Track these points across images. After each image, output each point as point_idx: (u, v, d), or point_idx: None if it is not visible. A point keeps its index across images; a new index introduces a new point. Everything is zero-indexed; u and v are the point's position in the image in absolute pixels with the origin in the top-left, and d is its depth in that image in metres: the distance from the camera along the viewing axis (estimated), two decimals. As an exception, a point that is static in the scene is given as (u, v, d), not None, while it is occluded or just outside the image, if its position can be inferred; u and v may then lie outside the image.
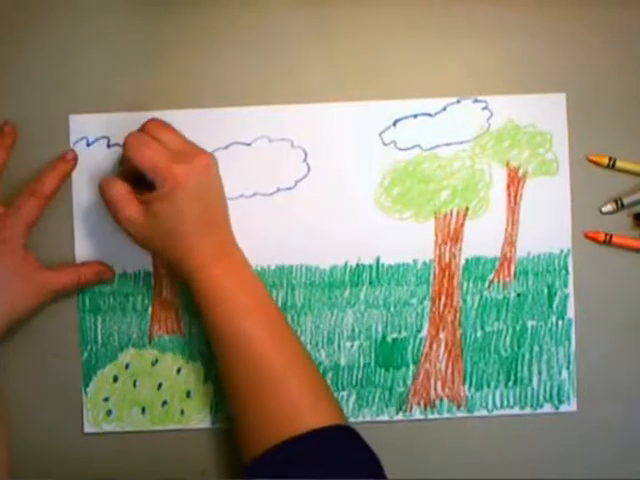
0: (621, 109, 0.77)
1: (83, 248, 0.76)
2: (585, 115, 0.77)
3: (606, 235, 0.76)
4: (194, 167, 0.69)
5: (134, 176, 0.71)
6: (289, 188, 0.77)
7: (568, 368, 0.77)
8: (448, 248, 0.77)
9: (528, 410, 0.77)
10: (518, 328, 0.77)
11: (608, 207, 0.77)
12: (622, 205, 0.76)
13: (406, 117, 0.77)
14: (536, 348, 0.77)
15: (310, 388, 0.70)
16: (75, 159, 0.76)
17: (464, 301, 0.77)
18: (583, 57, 0.77)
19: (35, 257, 0.74)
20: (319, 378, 0.72)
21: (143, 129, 0.72)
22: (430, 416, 0.77)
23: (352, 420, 0.77)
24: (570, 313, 0.77)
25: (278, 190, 0.76)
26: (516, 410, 0.77)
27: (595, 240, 0.76)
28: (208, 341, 0.75)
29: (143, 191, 0.70)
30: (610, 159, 0.76)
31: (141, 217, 0.70)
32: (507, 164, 0.77)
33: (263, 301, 0.72)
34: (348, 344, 0.77)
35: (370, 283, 0.77)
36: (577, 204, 0.77)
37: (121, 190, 0.71)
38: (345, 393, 0.77)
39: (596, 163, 0.77)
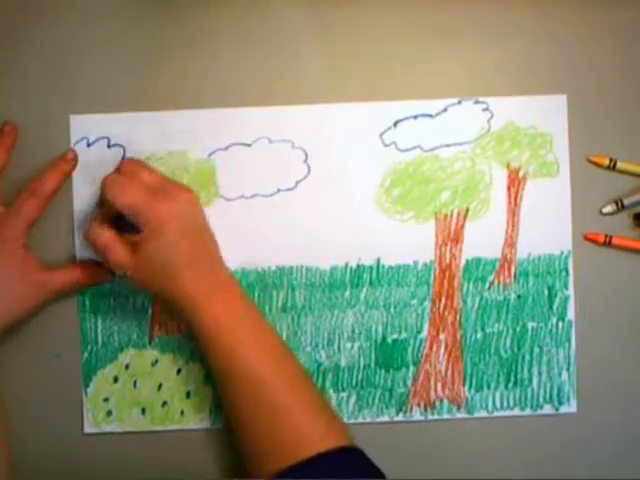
0: (622, 110, 0.77)
1: (83, 248, 0.76)
2: (586, 116, 0.77)
3: (606, 237, 0.76)
4: (177, 203, 0.70)
5: (117, 215, 0.72)
6: (290, 189, 0.76)
7: (568, 369, 0.77)
8: (448, 249, 0.77)
9: (528, 411, 0.77)
10: (518, 329, 0.77)
11: (608, 208, 0.77)
12: (622, 206, 0.76)
13: (407, 118, 0.77)
14: (536, 349, 0.77)
15: (315, 413, 0.70)
16: (75, 159, 0.76)
17: (464, 302, 0.77)
18: (584, 59, 0.77)
19: (35, 257, 0.74)
20: (323, 400, 0.72)
21: (119, 170, 0.72)
22: (430, 417, 0.77)
23: (352, 421, 0.77)
24: (570, 314, 0.77)
25: (278, 191, 0.76)
26: (516, 411, 0.77)
27: (595, 242, 0.76)
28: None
29: (127, 229, 0.71)
30: (611, 160, 0.76)
31: (132, 260, 0.70)
32: (508, 165, 0.77)
33: (262, 333, 0.72)
34: (348, 345, 0.77)
35: (370, 284, 0.77)
36: (577, 205, 0.77)
37: (107, 236, 0.71)
38: (345, 394, 0.77)
39: (596, 164, 0.77)
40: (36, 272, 0.73)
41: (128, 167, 0.72)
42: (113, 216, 0.72)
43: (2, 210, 0.74)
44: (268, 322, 0.73)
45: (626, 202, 0.76)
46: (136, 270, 0.70)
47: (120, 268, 0.71)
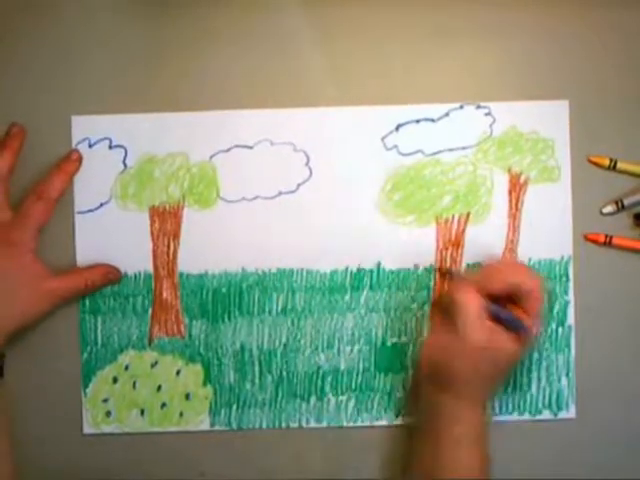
0: (622, 110, 0.77)
1: (84, 250, 0.76)
2: (586, 117, 0.77)
3: (606, 237, 0.76)
4: (497, 348, 0.70)
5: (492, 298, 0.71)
6: (291, 192, 0.76)
7: (567, 375, 0.77)
8: (449, 253, 0.77)
9: (527, 416, 0.77)
10: (518, 334, 0.77)
11: (609, 208, 0.77)
12: (623, 206, 0.76)
13: (409, 122, 0.76)
14: (536, 354, 0.77)
15: None
16: (80, 159, 0.75)
17: (464, 307, 0.77)
18: (586, 64, 0.77)
19: (43, 263, 0.74)
20: None
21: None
22: (429, 421, 0.77)
23: (351, 424, 0.77)
24: (570, 320, 0.77)
25: (280, 193, 0.76)
26: (515, 416, 0.77)
27: (595, 242, 0.76)
28: (207, 343, 0.76)
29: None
30: (611, 160, 0.76)
31: (481, 342, 0.70)
32: (509, 170, 0.77)
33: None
34: (348, 348, 0.77)
35: (371, 288, 0.77)
36: (578, 206, 0.77)
37: (478, 309, 0.70)
38: (344, 397, 0.77)
39: (597, 164, 0.77)
40: (45, 278, 0.73)
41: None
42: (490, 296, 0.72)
43: (11, 215, 0.74)
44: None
45: (626, 202, 0.76)
46: (432, 364, 0.72)
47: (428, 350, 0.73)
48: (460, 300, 0.70)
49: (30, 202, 0.73)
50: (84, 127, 0.76)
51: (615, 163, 0.76)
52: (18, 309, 0.72)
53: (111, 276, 0.76)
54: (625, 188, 0.77)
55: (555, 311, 0.77)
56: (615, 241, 0.76)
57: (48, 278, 0.73)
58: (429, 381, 0.72)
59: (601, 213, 0.77)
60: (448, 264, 0.77)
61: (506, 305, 0.71)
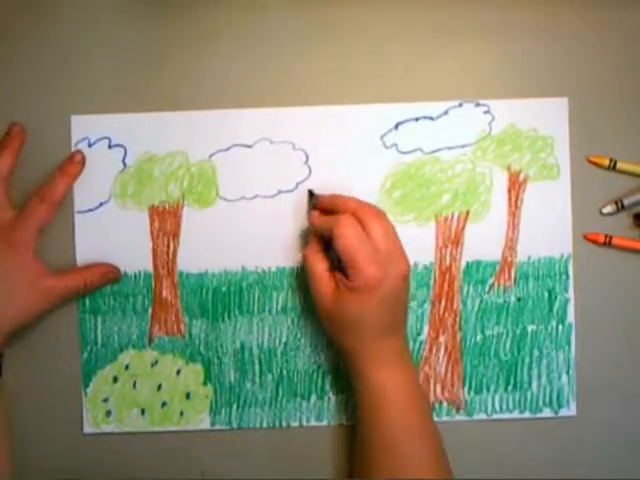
0: (622, 111, 0.77)
1: (84, 250, 0.76)
2: (586, 117, 0.77)
3: (606, 237, 0.76)
4: (390, 274, 0.69)
5: (326, 242, 0.72)
6: (290, 190, 0.76)
7: (568, 373, 0.77)
8: (449, 251, 0.77)
9: (527, 414, 0.77)
10: (518, 332, 0.77)
11: (609, 208, 0.77)
12: (622, 206, 0.76)
13: (408, 120, 0.77)
14: (536, 352, 0.77)
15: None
16: (83, 161, 0.76)
17: (464, 305, 0.77)
18: (586, 63, 0.77)
19: (43, 262, 0.74)
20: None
21: (358, 211, 0.71)
22: (429, 419, 0.77)
23: (351, 423, 0.77)
24: (570, 318, 0.77)
25: (279, 192, 0.76)
26: (515, 414, 0.77)
27: (595, 242, 0.76)
28: (208, 343, 0.76)
29: (332, 262, 0.71)
30: (611, 160, 0.76)
31: (331, 298, 0.70)
32: (508, 168, 0.77)
33: (425, 422, 0.71)
34: (348, 347, 0.77)
35: (371, 286, 0.77)
36: (577, 205, 0.77)
37: (323, 267, 0.71)
38: (344, 396, 0.77)
39: (597, 164, 0.77)
40: (45, 278, 0.73)
41: (369, 213, 0.71)
42: (326, 244, 0.72)
43: (13, 214, 0.74)
44: (421, 388, 0.74)
45: (626, 202, 0.76)
46: (329, 307, 0.70)
47: (319, 297, 0.71)
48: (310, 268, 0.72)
49: (33, 203, 0.73)
50: (84, 126, 0.76)
51: (615, 163, 0.76)
52: (18, 308, 0.72)
53: (111, 275, 0.76)
54: (625, 188, 0.77)
55: (555, 309, 0.77)
56: (615, 241, 0.76)
57: (48, 277, 0.73)
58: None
59: (601, 213, 0.77)
60: (448, 262, 0.77)
61: None
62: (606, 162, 0.77)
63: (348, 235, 0.69)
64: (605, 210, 0.77)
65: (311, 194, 0.76)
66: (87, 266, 0.76)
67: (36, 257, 0.73)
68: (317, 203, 0.74)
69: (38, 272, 0.73)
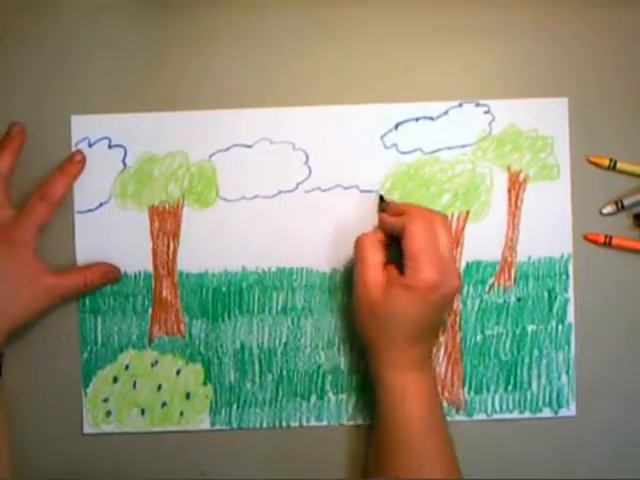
0: (622, 111, 0.77)
1: (84, 250, 0.76)
2: (586, 117, 0.77)
3: (606, 237, 0.76)
4: (445, 284, 0.69)
5: (389, 236, 0.72)
6: (290, 190, 0.76)
7: (568, 373, 0.77)
8: (449, 252, 0.77)
9: (527, 414, 0.77)
10: (518, 332, 0.77)
11: (608, 208, 0.77)
12: (622, 206, 0.76)
13: (408, 120, 0.77)
14: (536, 352, 0.77)
15: None
16: (83, 160, 0.76)
17: (464, 305, 0.77)
18: (585, 62, 0.77)
19: (43, 261, 0.74)
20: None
21: (432, 216, 0.71)
22: (429, 419, 0.77)
23: (352, 423, 0.77)
24: (570, 318, 0.77)
25: (279, 192, 0.76)
26: (515, 414, 0.77)
27: (595, 242, 0.76)
28: (207, 343, 0.76)
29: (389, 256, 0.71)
30: (611, 161, 0.76)
31: (380, 290, 0.70)
32: (508, 168, 0.77)
33: (441, 427, 0.71)
34: (348, 347, 0.77)
35: (370, 286, 0.77)
36: (577, 206, 0.77)
37: (375, 257, 0.71)
38: (344, 396, 0.77)
39: (596, 165, 0.77)
40: (44, 276, 0.73)
41: (439, 219, 0.71)
42: (384, 238, 0.72)
43: (13, 213, 0.74)
44: (439, 396, 0.74)
45: (626, 202, 0.76)
46: (375, 301, 0.70)
47: (366, 290, 0.70)
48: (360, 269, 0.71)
49: (33, 203, 0.74)
50: (84, 126, 0.76)
51: (615, 163, 0.76)
52: (18, 307, 0.72)
53: (111, 275, 0.76)
54: (625, 188, 0.77)
55: (555, 309, 0.77)
56: (615, 241, 0.76)
57: (48, 276, 0.73)
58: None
59: (601, 213, 0.77)
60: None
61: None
62: (606, 162, 0.77)
63: (420, 232, 0.69)
64: (605, 210, 0.77)
65: (382, 199, 0.75)
66: (87, 265, 0.76)
67: (36, 256, 0.73)
68: (387, 208, 0.74)
69: (38, 271, 0.73)
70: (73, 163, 0.75)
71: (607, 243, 0.76)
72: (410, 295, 0.69)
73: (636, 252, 0.77)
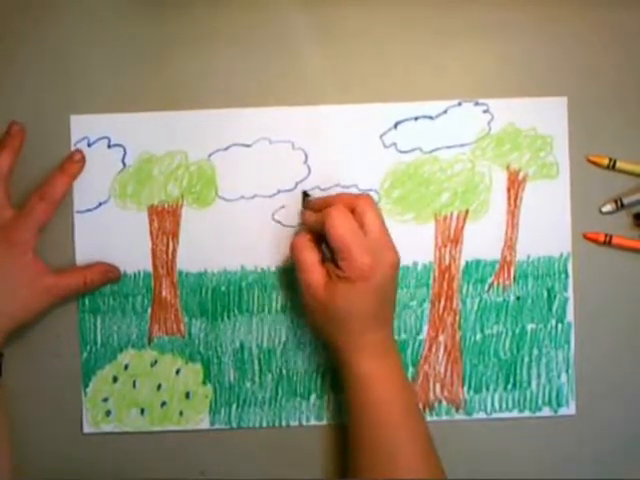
0: (622, 111, 0.77)
1: (83, 249, 0.76)
2: (585, 116, 0.77)
3: (606, 236, 0.76)
4: (382, 263, 0.69)
5: (319, 236, 0.71)
6: (290, 190, 0.76)
7: (567, 371, 0.77)
8: (448, 251, 0.77)
9: (527, 413, 0.77)
10: (517, 331, 0.77)
11: (608, 207, 0.77)
12: (622, 205, 0.76)
13: (407, 119, 0.77)
14: (535, 351, 0.77)
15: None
16: (83, 160, 0.76)
17: (464, 304, 0.77)
18: (585, 61, 0.77)
19: (43, 261, 0.74)
20: (438, 462, 0.71)
21: (351, 200, 0.70)
22: (429, 418, 0.77)
23: (351, 422, 0.77)
24: (569, 317, 0.77)
25: (279, 192, 0.76)
26: (515, 413, 0.77)
27: (595, 241, 0.76)
28: (207, 342, 0.76)
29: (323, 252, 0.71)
30: (610, 160, 0.76)
31: (323, 289, 0.70)
32: (507, 167, 0.77)
33: (412, 411, 0.71)
34: (347, 346, 0.77)
35: (370, 285, 0.77)
36: (577, 205, 0.77)
37: (314, 257, 0.71)
38: (344, 395, 0.76)
39: (596, 164, 0.77)
40: (45, 276, 0.73)
41: (358, 201, 0.70)
42: (317, 235, 0.72)
43: (13, 213, 0.74)
44: (407, 380, 0.74)
45: (625, 201, 0.76)
46: (317, 298, 0.70)
47: (307, 287, 0.70)
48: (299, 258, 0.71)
49: (33, 202, 0.74)
50: (83, 126, 0.76)
51: (614, 162, 0.76)
52: (18, 307, 0.72)
53: (110, 275, 0.76)
54: (624, 188, 0.77)
55: (554, 308, 0.77)
56: (615, 241, 0.76)
57: (48, 275, 0.73)
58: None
59: (600, 212, 0.77)
60: (447, 261, 0.77)
61: None
62: (605, 161, 0.77)
63: (340, 224, 0.69)
64: (604, 209, 0.77)
65: (305, 195, 0.76)
66: (87, 265, 0.76)
67: (36, 256, 0.73)
68: (308, 205, 0.74)
69: (38, 271, 0.73)
70: (72, 162, 0.75)
71: (607, 242, 0.76)
72: (350, 287, 0.68)
73: (636, 251, 0.77)
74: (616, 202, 0.76)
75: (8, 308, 0.72)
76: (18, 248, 0.73)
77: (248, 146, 0.76)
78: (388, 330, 0.72)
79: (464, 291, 0.77)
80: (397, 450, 0.69)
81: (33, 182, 0.75)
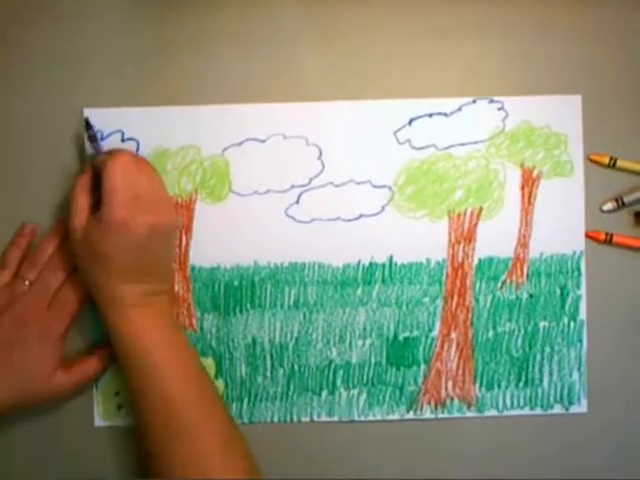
0: (622, 109, 0.77)
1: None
2: (586, 116, 0.76)
3: (607, 235, 0.76)
4: (137, 222, 0.69)
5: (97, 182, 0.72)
6: (303, 185, 0.76)
7: (579, 369, 0.77)
8: (461, 248, 0.77)
9: (538, 411, 0.77)
10: (530, 329, 0.77)
11: (609, 205, 0.77)
12: (623, 203, 0.76)
13: (421, 116, 0.76)
14: (547, 349, 0.77)
15: (224, 441, 0.70)
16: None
17: (476, 301, 0.77)
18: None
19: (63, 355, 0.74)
20: (237, 435, 0.71)
21: (136, 159, 0.72)
22: (440, 415, 0.77)
23: (362, 418, 0.77)
24: (582, 315, 0.77)
25: (292, 187, 0.76)
26: (526, 411, 0.77)
27: (596, 240, 0.76)
28: (219, 337, 0.76)
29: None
30: (611, 158, 0.76)
31: (81, 234, 0.70)
32: (521, 165, 0.77)
33: (183, 354, 0.72)
34: (360, 342, 0.77)
35: (383, 282, 0.77)
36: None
37: (82, 200, 0.71)
38: (356, 391, 0.77)
39: (597, 162, 0.77)
40: (57, 374, 0.73)
41: (144, 163, 0.72)
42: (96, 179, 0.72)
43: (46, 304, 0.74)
44: (194, 349, 0.74)
45: (626, 200, 0.76)
46: (83, 244, 0.70)
47: (71, 231, 0.71)
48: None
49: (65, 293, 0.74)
50: (96, 120, 0.76)
51: (615, 161, 0.76)
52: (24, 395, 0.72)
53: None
54: (625, 186, 0.77)
55: (567, 306, 0.77)
56: (616, 239, 0.76)
57: (59, 373, 0.73)
58: None
59: (601, 211, 0.77)
60: (460, 259, 0.77)
61: None
62: (606, 160, 0.76)
63: (118, 169, 0.69)
64: (605, 207, 0.77)
65: (88, 124, 0.75)
66: (92, 352, 0.76)
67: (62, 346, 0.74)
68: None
69: (54, 365, 0.73)
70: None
71: (608, 241, 0.76)
72: (101, 230, 0.69)
73: (637, 250, 0.77)
74: (617, 200, 0.76)
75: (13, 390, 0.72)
76: (48, 337, 0.73)
77: (262, 141, 0.76)
78: (146, 287, 0.71)
79: (477, 288, 0.77)
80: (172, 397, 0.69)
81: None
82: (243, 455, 0.70)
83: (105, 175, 0.69)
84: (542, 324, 0.77)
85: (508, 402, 0.77)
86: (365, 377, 0.77)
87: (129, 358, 0.70)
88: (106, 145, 0.76)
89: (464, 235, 0.77)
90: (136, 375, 0.70)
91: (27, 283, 0.74)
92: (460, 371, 0.77)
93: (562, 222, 0.77)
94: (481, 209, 0.77)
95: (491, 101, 0.77)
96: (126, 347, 0.70)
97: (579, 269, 0.77)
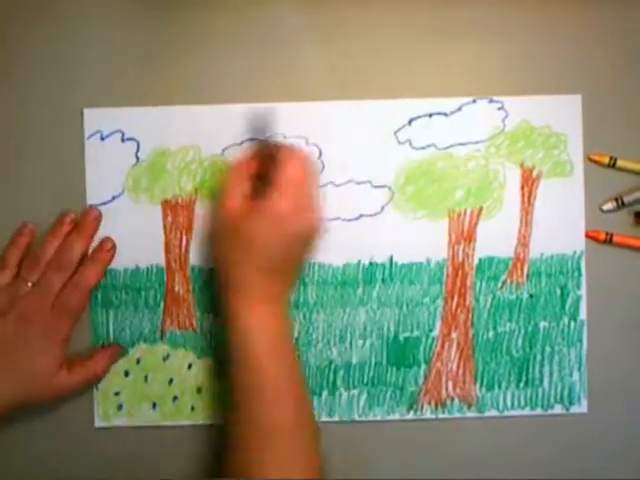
0: (622, 109, 0.77)
1: (96, 243, 0.76)
2: (586, 116, 0.76)
3: (607, 234, 0.76)
4: (302, 218, 0.70)
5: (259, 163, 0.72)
6: (303, 185, 0.76)
7: (579, 369, 0.77)
8: (461, 248, 0.77)
9: (539, 411, 0.77)
10: (530, 329, 0.77)
11: (608, 205, 0.77)
12: (623, 203, 0.76)
13: (421, 116, 0.76)
14: (548, 349, 0.77)
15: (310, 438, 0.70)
16: (114, 248, 0.76)
17: (477, 301, 0.77)
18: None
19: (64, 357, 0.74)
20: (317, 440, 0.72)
21: (303, 156, 0.72)
22: (441, 416, 0.77)
23: (363, 419, 0.77)
24: (582, 315, 0.77)
25: (292, 187, 0.76)
26: (527, 411, 0.77)
27: (596, 240, 0.76)
28: (220, 337, 0.76)
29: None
30: (611, 158, 0.76)
31: (240, 212, 0.70)
32: (521, 165, 0.77)
33: (292, 364, 0.72)
34: (360, 342, 0.77)
35: (383, 281, 0.77)
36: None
37: (244, 185, 0.71)
38: (356, 391, 0.77)
39: (597, 162, 0.77)
40: (60, 374, 0.73)
41: (313, 164, 0.73)
42: (257, 161, 0.72)
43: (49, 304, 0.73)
44: (298, 360, 0.74)
45: (626, 200, 0.76)
46: (229, 224, 0.70)
47: (224, 213, 0.71)
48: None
49: (67, 292, 0.74)
50: (96, 120, 0.76)
51: (615, 161, 0.76)
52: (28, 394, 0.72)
53: (116, 357, 0.76)
54: (625, 186, 0.77)
55: (567, 306, 0.77)
56: (616, 239, 0.76)
57: (63, 373, 0.73)
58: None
59: (601, 210, 0.77)
60: (460, 259, 0.77)
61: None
62: (606, 160, 0.76)
63: (299, 169, 0.70)
64: (605, 207, 0.77)
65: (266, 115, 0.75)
66: (94, 353, 0.75)
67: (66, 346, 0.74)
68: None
69: (58, 364, 0.73)
70: (104, 251, 0.75)
71: (608, 241, 0.76)
72: (264, 218, 0.68)
73: (638, 250, 0.77)
74: (617, 200, 0.76)
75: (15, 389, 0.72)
76: (52, 337, 0.73)
77: (262, 141, 0.76)
78: (281, 286, 0.72)
79: (477, 288, 0.77)
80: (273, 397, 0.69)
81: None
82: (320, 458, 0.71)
83: (284, 166, 0.69)
84: (542, 324, 0.77)
85: (508, 402, 0.77)
86: (365, 377, 0.77)
87: (241, 354, 0.70)
88: (106, 146, 0.76)
89: (464, 235, 0.77)
90: (246, 372, 0.70)
91: (30, 284, 0.73)
92: (460, 371, 0.77)
93: (562, 222, 0.77)
94: (481, 209, 0.77)
95: (491, 101, 0.77)
96: (241, 341, 0.69)
97: (579, 269, 0.77)
